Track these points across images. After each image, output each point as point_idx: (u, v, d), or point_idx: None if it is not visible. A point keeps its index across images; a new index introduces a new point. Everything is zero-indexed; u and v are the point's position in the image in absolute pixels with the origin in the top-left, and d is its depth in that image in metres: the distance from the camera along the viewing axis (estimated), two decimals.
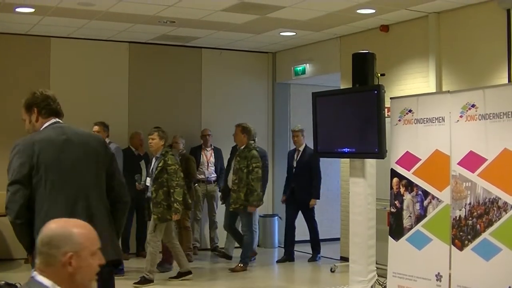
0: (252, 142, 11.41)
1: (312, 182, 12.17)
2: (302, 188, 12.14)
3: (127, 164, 12.28)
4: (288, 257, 12.40)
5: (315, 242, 12.55)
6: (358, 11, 10.40)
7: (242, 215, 11.57)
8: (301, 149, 12.29)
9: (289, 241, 12.53)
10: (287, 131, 14.32)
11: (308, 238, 14.00)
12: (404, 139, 8.63)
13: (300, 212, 12.50)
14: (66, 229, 3.06)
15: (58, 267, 3.01)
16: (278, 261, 12.41)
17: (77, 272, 3.04)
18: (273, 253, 13.62)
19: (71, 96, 12.25)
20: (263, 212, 14.05)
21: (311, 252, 12.54)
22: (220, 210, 13.19)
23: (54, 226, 3.07)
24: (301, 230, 14.23)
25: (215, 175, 13.14)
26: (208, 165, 13.08)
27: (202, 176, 13.03)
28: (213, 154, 13.13)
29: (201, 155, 13.05)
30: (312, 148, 12.25)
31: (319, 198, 12.27)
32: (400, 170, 8.64)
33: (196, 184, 12.88)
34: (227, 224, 12.09)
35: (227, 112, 13.78)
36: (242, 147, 11.32)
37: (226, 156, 13.19)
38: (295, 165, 12.32)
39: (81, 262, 3.04)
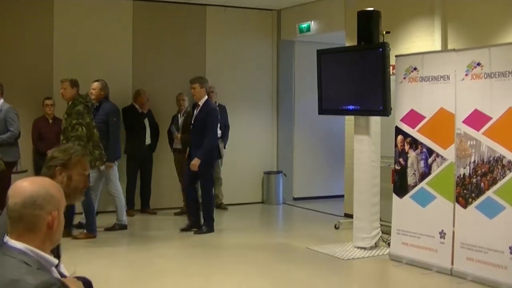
0: (80, 97, 10.03)
1: None
2: (198, 149, 10.69)
3: (131, 122, 12.34)
4: (193, 224, 10.87)
5: (204, 212, 10.92)
6: None
7: None
8: (200, 103, 10.83)
9: (190, 210, 11.05)
10: (291, 89, 14.29)
11: (308, 195, 14.22)
12: (409, 97, 8.65)
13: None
14: (42, 186, 2.97)
15: (43, 228, 2.93)
16: (182, 230, 10.87)
17: (57, 230, 3.00)
18: (277, 209, 13.70)
19: (75, 54, 12.24)
20: (267, 169, 14.13)
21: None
22: (225, 166, 13.27)
23: (29, 186, 2.95)
24: (310, 186, 14.36)
25: (220, 132, 13.07)
26: None
27: None
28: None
29: None
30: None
31: (204, 160, 10.62)
32: (405, 127, 8.67)
33: None
34: None
35: (231, 69, 13.74)
36: (70, 103, 10.02)
37: (230, 112, 13.23)
38: (192, 121, 10.94)
39: (59, 219, 3.00)
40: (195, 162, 10.54)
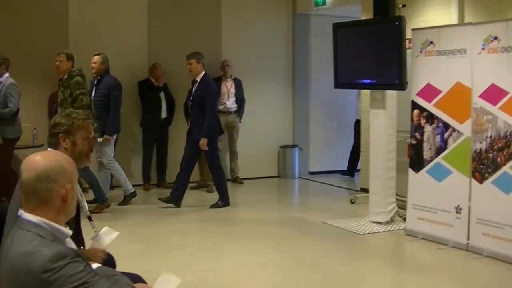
0: (76, 70, 10.08)
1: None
2: (197, 125, 10.65)
3: (147, 96, 12.35)
4: (173, 199, 10.82)
5: (217, 187, 11.13)
6: None
7: None
8: (198, 79, 10.79)
9: (178, 181, 10.93)
10: (307, 63, 14.23)
11: (324, 169, 14.17)
12: (425, 71, 8.58)
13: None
14: (55, 160, 2.99)
15: (57, 201, 2.95)
16: (160, 199, 10.87)
17: (71, 203, 3.03)
18: (293, 184, 13.71)
19: (90, 28, 12.21)
20: (283, 143, 14.11)
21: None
22: (240, 140, 13.28)
23: (42, 160, 2.97)
24: (326, 160, 14.33)
25: (236, 106, 13.14)
26: (228, 95, 13.05)
27: (223, 107, 13.02)
28: (233, 84, 13.10)
29: (222, 86, 13.01)
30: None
31: (209, 138, 10.58)
32: (421, 102, 8.61)
33: None
34: None
35: (247, 43, 13.69)
36: (66, 76, 10.06)
37: (245, 86, 13.22)
38: (191, 98, 10.93)
39: (73, 192, 3.02)
40: (203, 142, 10.50)
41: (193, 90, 10.81)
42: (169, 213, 10.39)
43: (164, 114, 12.49)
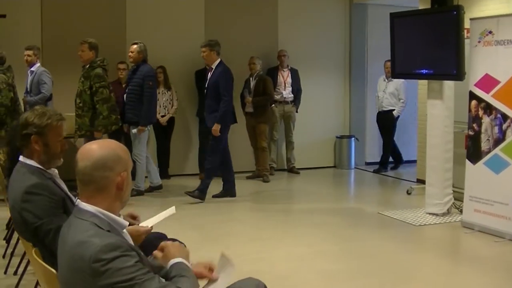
0: (98, 60, 9.94)
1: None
2: (210, 113, 10.46)
3: (204, 85, 12.38)
4: (225, 192, 10.86)
5: (205, 174, 10.71)
6: None
7: None
8: (213, 66, 10.51)
9: (223, 176, 10.92)
10: (364, 53, 14.15)
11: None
12: (484, 61, 8.46)
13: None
14: (111, 149, 3.04)
15: (112, 189, 3.01)
16: (214, 196, 10.75)
17: (126, 190, 3.08)
18: (349, 174, 13.67)
19: (148, 18, 12.33)
20: (339, 133, 14.07)
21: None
22: (297, 130, 13.28)
23: (98, 148, 3.02)
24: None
25: (292, 96, 13.14)
26: (285, 85, 13.07)
27: (279, 97, 13.04)
28: (290, 74, 13.10)
29: (278, 76, 13.04)
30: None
31: (222, 124, 10.34)
32: (479, 92, 8.50)
33: (273, 105, 12.91)
34: None
35: (304, 33, 13.66)
36: (87, 66, 9.92)
37: (302, 76, 13.21)
38: (206, 86, 10.64)
39: (128, 179, 3.08)
40: (216, 128, 10.25)
41: (208, 78, 10.55)
42: (223, 202, 10.45)
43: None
